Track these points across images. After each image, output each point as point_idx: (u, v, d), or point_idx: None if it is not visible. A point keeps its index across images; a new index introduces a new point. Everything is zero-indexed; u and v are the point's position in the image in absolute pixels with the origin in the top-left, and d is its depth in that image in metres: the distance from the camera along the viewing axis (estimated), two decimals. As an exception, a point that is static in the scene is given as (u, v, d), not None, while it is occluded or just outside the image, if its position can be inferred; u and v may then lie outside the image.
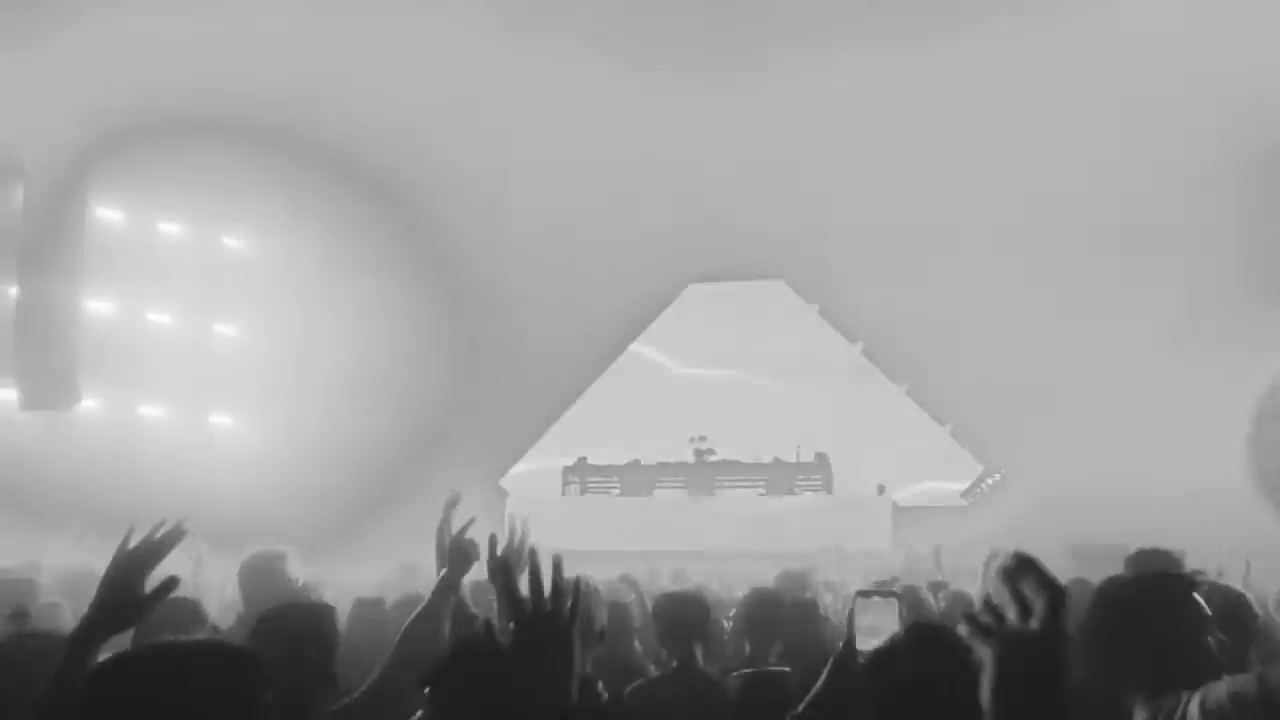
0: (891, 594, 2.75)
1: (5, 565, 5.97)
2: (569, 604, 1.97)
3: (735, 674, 4.04)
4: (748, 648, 4.69)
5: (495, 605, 2.94)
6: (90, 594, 2.31)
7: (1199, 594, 2.61)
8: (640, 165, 15.44)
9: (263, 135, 13.97)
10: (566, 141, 15.03)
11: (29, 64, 11.66)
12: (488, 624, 2.25)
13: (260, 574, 4.37)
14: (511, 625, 1.97)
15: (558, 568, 2.02)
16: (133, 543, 2.35)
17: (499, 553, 3.00)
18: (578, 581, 2.00)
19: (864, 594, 2.74)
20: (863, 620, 2.67)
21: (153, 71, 12.10)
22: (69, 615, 4.50)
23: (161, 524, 2.40)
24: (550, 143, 15.02)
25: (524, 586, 1.98)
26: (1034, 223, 15.64)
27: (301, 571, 4.80)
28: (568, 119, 14.79)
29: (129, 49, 11.72)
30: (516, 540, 3.04)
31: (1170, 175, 14.15)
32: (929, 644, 2.53)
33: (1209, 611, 2.61)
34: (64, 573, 6.08)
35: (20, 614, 4.19)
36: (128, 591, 2.29)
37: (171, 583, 2.31)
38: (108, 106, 12.67)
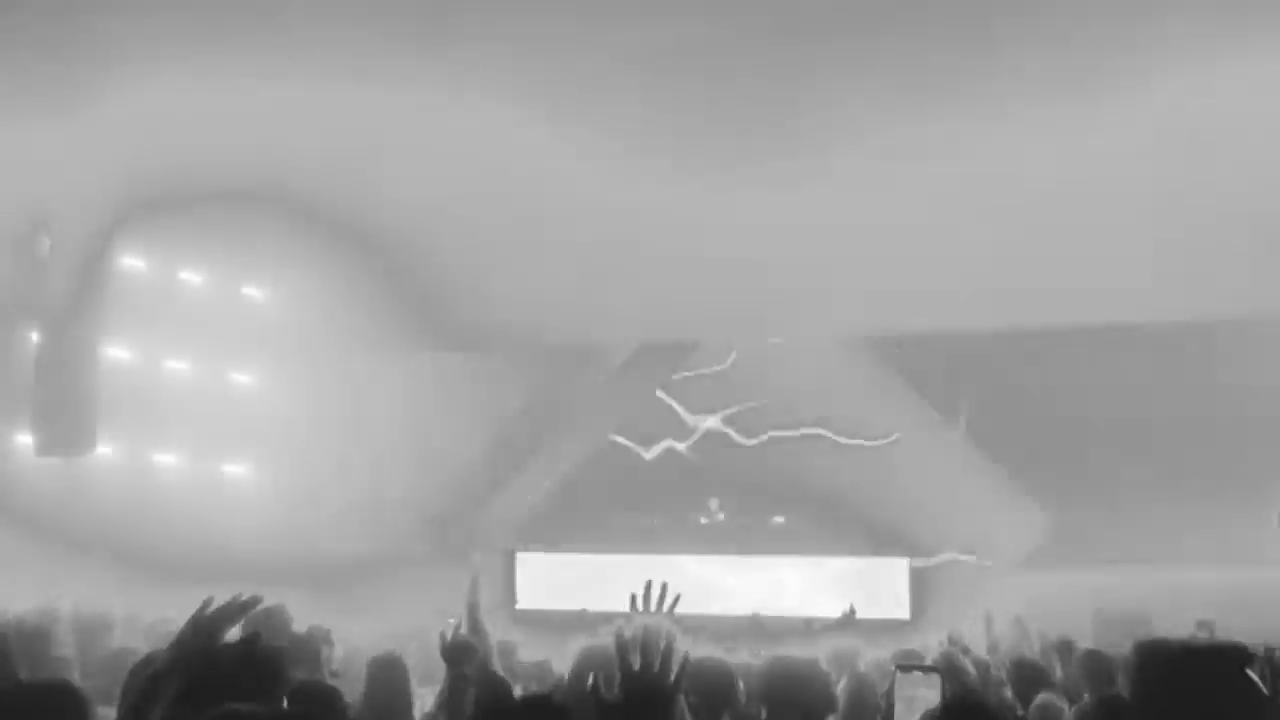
0: (931, 668, 2.67)
1: (23, 612, 5.96)
2: (676, 673, 2.26)
3: None
4: (764, 714, 4.62)
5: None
6: (103, 642, 2.45)
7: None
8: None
9: (288, 197, 14.02)
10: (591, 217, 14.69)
11: (60, 125, 11.80)
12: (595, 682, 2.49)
13: (261, 626, 4.33)
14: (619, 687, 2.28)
15: (670, 645, 2.31)
16: (210, 610, 2.57)
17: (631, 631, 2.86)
18: (686, 655, 2.30)
19: (904, 667, 2.66)
20: (902, 694, 2.59)
21: (181, 134, 12.24)
22: (78, 672, 4.47)
23: (238, 596, 2.62)
24: (574, 215, 14.76)
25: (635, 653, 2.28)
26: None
27: (305, 621, 4.79)
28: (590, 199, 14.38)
29: (159, 114, 11.86)
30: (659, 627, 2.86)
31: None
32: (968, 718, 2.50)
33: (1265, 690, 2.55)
34: (80, 621, 6.05)
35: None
36: (205, 641, 2.48)
37: (254, 638, 2.58)
38: (137, 164, 12.78)
